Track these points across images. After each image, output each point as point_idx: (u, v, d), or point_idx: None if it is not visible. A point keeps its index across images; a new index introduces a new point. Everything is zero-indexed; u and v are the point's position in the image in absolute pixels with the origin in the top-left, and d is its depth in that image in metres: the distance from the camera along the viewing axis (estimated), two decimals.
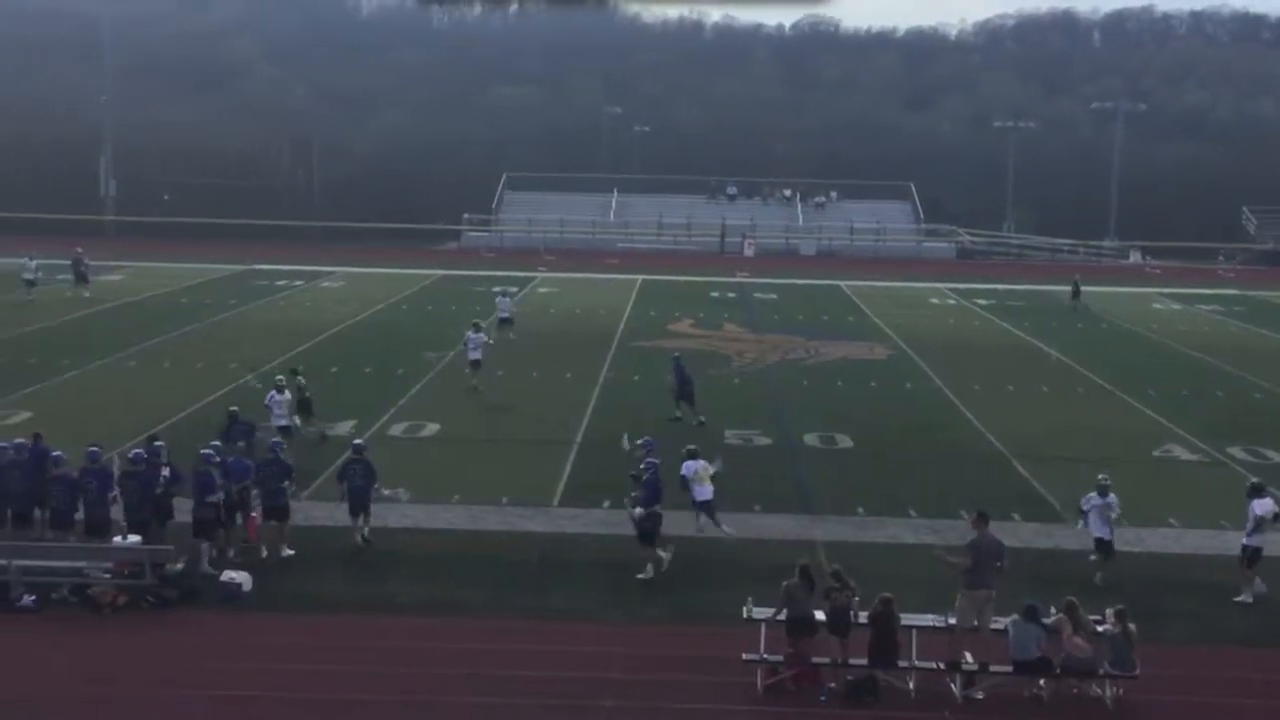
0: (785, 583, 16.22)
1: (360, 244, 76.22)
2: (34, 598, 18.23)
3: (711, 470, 21.69)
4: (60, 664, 16.34)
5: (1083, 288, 55.15)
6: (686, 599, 18.85)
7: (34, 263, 49.18)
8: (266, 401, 26.42)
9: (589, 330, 45.19)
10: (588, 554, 20.85)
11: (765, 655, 16.09)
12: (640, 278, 62.76)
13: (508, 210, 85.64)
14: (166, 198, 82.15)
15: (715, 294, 57.35)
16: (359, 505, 21.01)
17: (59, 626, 17.64)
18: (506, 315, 42.44)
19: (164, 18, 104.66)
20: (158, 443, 21.29)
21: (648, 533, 19.89)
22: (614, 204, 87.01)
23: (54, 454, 20.22)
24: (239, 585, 18.71)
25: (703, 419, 30.21)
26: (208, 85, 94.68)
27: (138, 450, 20.72)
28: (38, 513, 20.03)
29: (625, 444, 22.49)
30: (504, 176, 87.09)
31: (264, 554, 20.17)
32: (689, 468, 21.68)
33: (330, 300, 52.57)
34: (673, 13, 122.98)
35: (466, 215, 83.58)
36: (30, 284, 48.67)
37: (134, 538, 19.19)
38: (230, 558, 19.90)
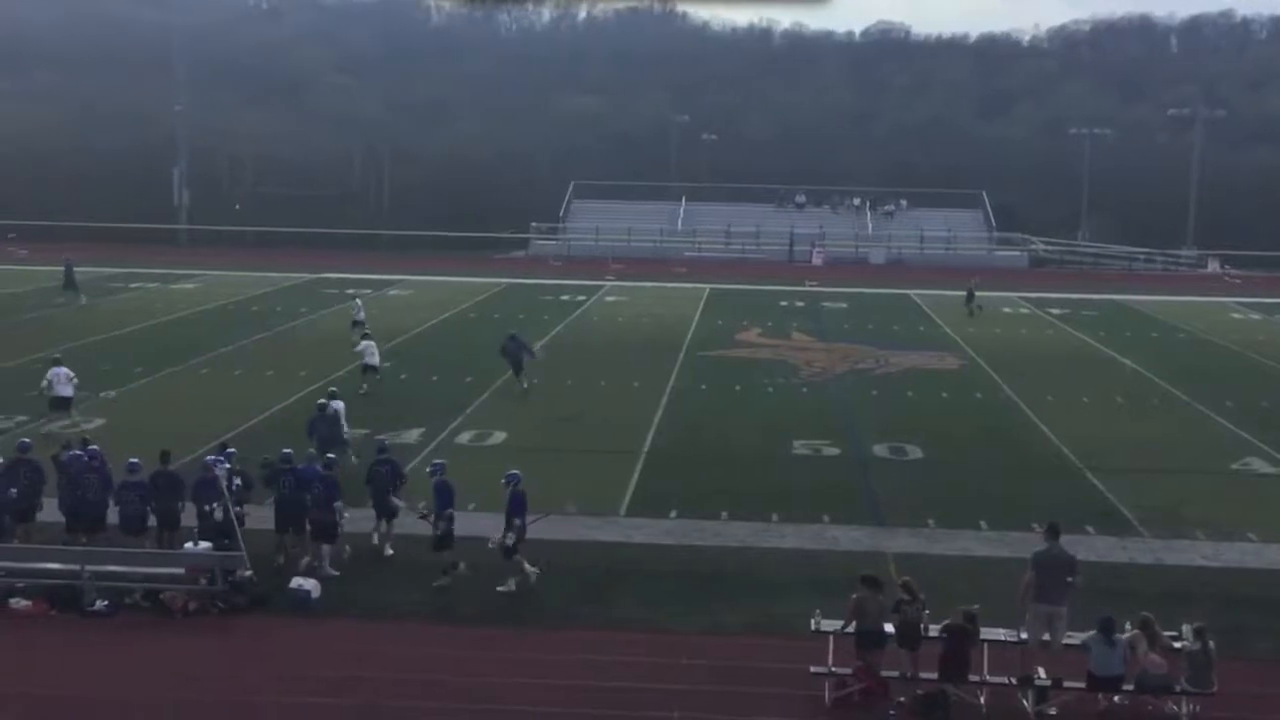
0: (855, 595, 16.04)
1: (429, 252, 76.71)
2: (107, 602, 18.43)
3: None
4: (131, 668, 16.48)
5: (977, 292, 54.34)
6: (754, 610, 18.68)
7: None
8: (48, 377, 28.81)
9: (656, 339, 45.12)
10: (655, 564, 20.74)
11: (833, 668, 15.91)
12: (708, 287, 62.59)
13: (575, 219, 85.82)
14: (238, 207, 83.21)
15: (784, 303, 57.06)
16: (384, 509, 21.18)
17: (131, 631, 17.80)
18: (360, 318, 42.16)
19: (237, 28, 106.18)
20: (230, 450, 21.49)
21: (510, 547, 19.44)
22: (682, 212, 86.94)
23: (130, 461, 20.42)
24: (308, 592, 18.79)
25: (526, 386, 34.16)
26: (279, 95, 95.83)
27: (210, 457, 20.90)
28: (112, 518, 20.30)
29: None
30: (571, 185, 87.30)
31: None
32: (335, 406, 25.79)
33: (399, 308, 52.90)
34: (741, 20, 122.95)
35: (534, 224, 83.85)
36: None
37: (205, 544, 19.36)
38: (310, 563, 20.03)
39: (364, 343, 35.34)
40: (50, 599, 18.45)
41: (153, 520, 20.13)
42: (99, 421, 29.70)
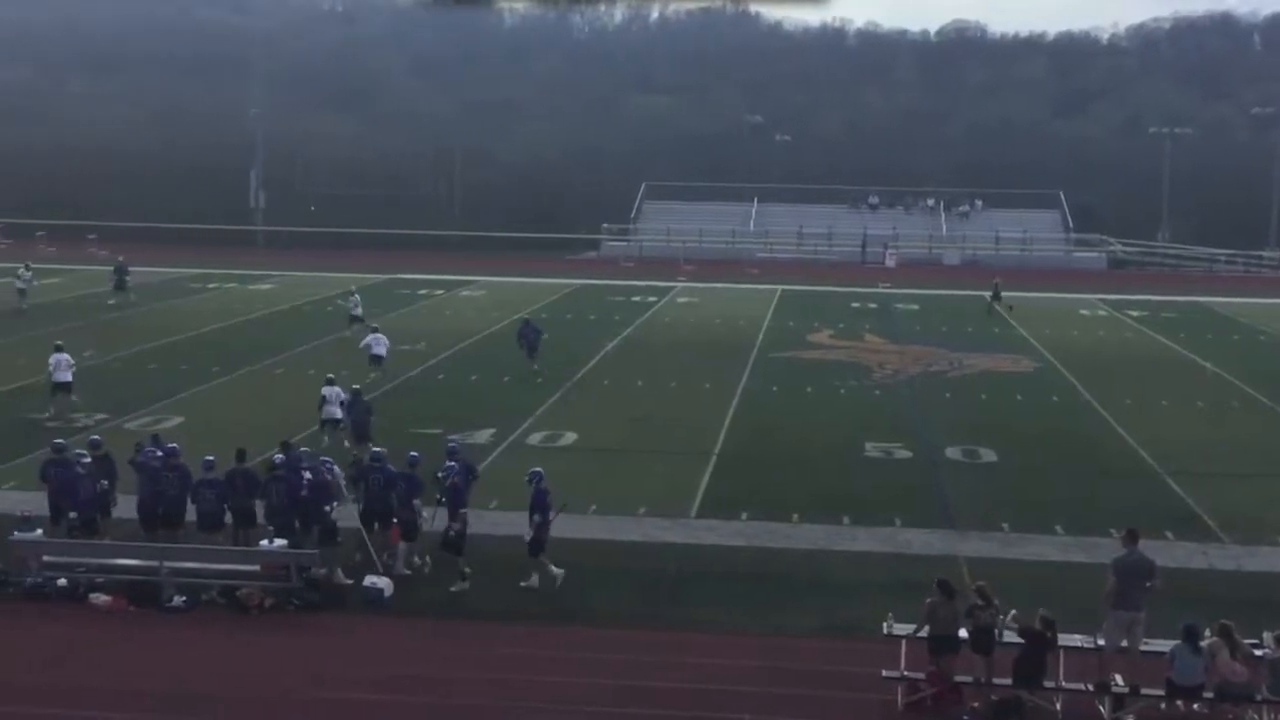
0: (928, 599, 15.88)
1: (500, 253, 77.10)
2: (184, 598, 18.69)
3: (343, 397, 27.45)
4: (206, 663, 16.68)
5: (1003, 292, 54.48)
6: (825, 613, 18.57)
7: (29, 273, 50.18)
8: (51, 363, 30.97)
9: (728, 340, 45.01)
10: (725, 566, 20.68)
11: (906, 673, 15.77)
12: (780, 288, 62.37)
13: (647, 219, 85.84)
14: (313, 208, 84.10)
15: (856, 304, 56.71)
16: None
17: (207, 627, 18.03)
18: (358, 313, 43.63)
19: (312, 32, 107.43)
20: (302, 448, 21.71)
21: (539, 542, 19.60)
22: (754, 213, 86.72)
23: (206, 459, 20.67)
24: (381, 590, 18.93)
25: (536, 367, 36.76)
26: (353, 97, 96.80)
27: (279, 455, 21.12)
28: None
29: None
30: (643, 186, 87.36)
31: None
32: (328, 392, 27.54)
33: (470, 308, 53.21)
34: (814, 19, 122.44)
35: (606, 225, 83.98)
36: (22, 293, 48.98)
37: (280, 541, 19.57)
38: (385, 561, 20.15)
39: (372, 335, 36.18)
40: (129, 594, 18.75)
41: (229, 517, 20.40)
42: (176, 420, 30.15)
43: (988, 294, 54.73)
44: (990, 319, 51.75)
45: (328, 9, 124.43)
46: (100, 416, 29.95)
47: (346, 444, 26.73)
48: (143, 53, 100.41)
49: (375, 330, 37.00)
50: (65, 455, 21.02)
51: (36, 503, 21.08)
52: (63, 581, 18.98)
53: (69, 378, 30.81)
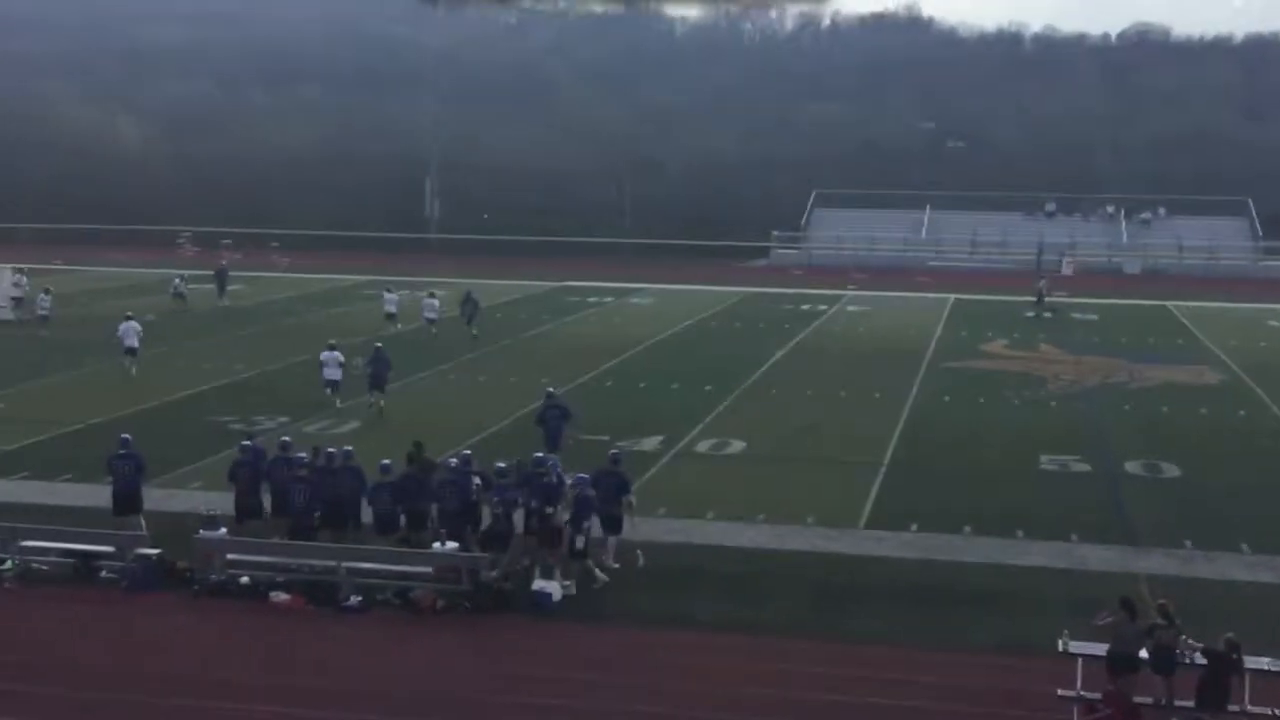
0: (1110, 617, 15.38)
1: (670, 261, 77.35)
2: (360, 598, 19.14)
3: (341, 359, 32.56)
4: (379, 663, 17.02)
5: (1047, 297, 56.53)
6: (998, 628, 18.15)
7: (181, 280, 54.63)
8: (120, 330, 37.38)
9: (898, 350, 44.40)
10: (894, 578, 20.38)
11: (1082, 692, 15.32)
12: (952, 297, 61.34)
13: (817, 228, 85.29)
14: (486, 217, 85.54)
15: (1031, 314, 55.42)
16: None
17: (381, 627, 18.43)
18: (392, 311, 47.64)
19: (487, 44, 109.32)
20: (465, 452, 22.05)
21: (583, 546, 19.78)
22: (926, 221, 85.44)
23: (382, 463, 21.08)
24: (549, 595, 19.10)
25: (476, 333, 44.29)
26: (527, 107, 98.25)
27: (451, 459, 21.46)
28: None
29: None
30: (814, 194, 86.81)
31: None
32: (326, 356, 32.57)
33: (639, 317, 53.46)
34: (990, 23, 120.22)
35: (776, 233, 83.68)
36: (181, 297, 53.35)
37: (452, 544, 19.90)
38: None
39: (426, 300, 45.77)
40: (308, 593, 19.28)
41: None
42: (353, 424, 30.93)
43: (1033, 298, 56.08)
44: (1042, 322, 52.75)
45: (502, 23, 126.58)
46: (282, 419, 30.88)
47: (339, 403, 32.10)
48: (323, 66, 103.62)
49: (431, 296, 46.25)
50: (249, 456, 21.72)
51: (222, 502, 21.80)
52: (245, 579, 19.63)
53: (135, 343, 37.03)
